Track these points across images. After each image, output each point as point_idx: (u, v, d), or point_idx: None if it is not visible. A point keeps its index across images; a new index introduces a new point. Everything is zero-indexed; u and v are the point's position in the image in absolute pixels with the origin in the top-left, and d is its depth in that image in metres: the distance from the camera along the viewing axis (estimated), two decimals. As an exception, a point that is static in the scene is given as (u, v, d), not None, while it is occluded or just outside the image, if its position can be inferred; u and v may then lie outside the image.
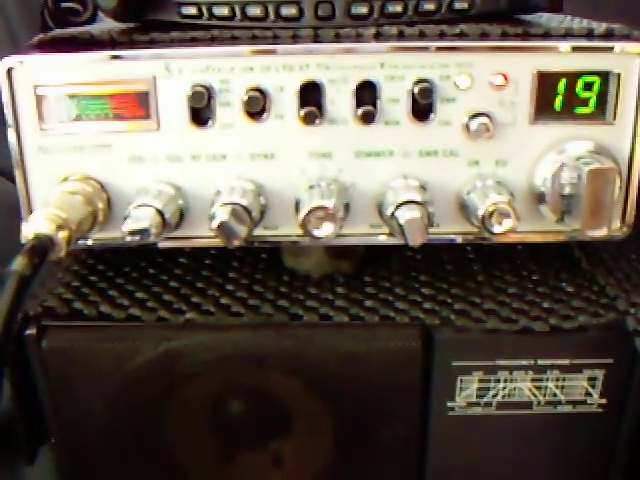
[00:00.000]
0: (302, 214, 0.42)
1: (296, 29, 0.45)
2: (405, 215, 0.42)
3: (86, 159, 0.45)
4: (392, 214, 0.42)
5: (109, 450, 0.49)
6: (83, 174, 0.45)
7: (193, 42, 0.45)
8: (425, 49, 0.43)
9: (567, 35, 0.45)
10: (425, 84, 0.43)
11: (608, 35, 0.45)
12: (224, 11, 0.46)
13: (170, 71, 0.43)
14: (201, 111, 0.44)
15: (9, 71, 0.44)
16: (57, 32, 0.47)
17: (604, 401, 0.47)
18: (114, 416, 0.47)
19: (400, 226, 0.42)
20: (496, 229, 0.42)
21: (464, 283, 0.49)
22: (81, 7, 0.53)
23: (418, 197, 0.43)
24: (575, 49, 0.43)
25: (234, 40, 0.45)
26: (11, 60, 0.44)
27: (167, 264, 0.51)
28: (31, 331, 0.46)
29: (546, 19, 0.50)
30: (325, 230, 0.42)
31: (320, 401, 0.47)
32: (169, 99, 0.44)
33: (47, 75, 0.44)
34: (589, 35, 0.45)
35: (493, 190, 0.43)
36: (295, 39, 0.45)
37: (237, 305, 0.47)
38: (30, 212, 0.46)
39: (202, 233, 0.46)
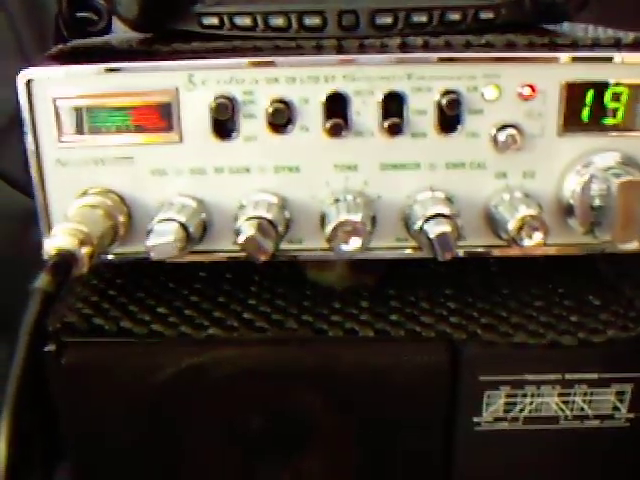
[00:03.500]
0: (329, 228, 0.42)
1: (319, 39, 0.45)
2: (435, 229, 0.41)
3: (106, 172, 0.44)
4: (421, 228, 0.42)
5: (128, 468, 0.48)
6: (103, 187, 0.45)
7: (215, 53, 0.44)
8: (452, 60, 0.42)
9: (594, 45, 0.44)
10: (453, 95, 0.42)
11: (636, 44, 0.44)
12: (246, 21, 0.45)
13: (193, 82, 0.43)
14: (224, 123, 0.43)
15: (28, 83, 0.43)
16: (76, 42, 0.47)
17: (632, 415, 0.46)
18: (134, 433, 0.47)
19: (429, 240, 0.41)
20: (526, 242, 0.42)
21: (489, 297, 0.48)
22: (96, 17, 0.52)
23: (447, 210, 0.42)
24: (603, 59, 0.43)
25: (257, 51, 0.44)
26: (30, 72, 0.43)
27: (187, 278, 0.50)
28: (50, 347, 0.45)
29: (569, 28, 0.49)
30: (352, 245, 0.41)
31: (344, 417, 0.46)
32: (192, 111, 0.43)
33: (66, 87, 0.43)
34: (617, 45, 0.44)
35: (522, 203, 0.42)
36: (319, 49, 0.44)
37: (260, 320, 0.46)
38: (49, 226, 0.45)
39: (225, 247, 0.45)
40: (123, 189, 0.45)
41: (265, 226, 0.42)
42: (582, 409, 0.46)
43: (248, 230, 0.41)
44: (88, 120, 0.44)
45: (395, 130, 0.43)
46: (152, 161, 0.44)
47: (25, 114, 0.43)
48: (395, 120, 0.42)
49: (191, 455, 0.48)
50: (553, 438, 0.47)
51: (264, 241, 0.41)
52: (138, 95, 0.43)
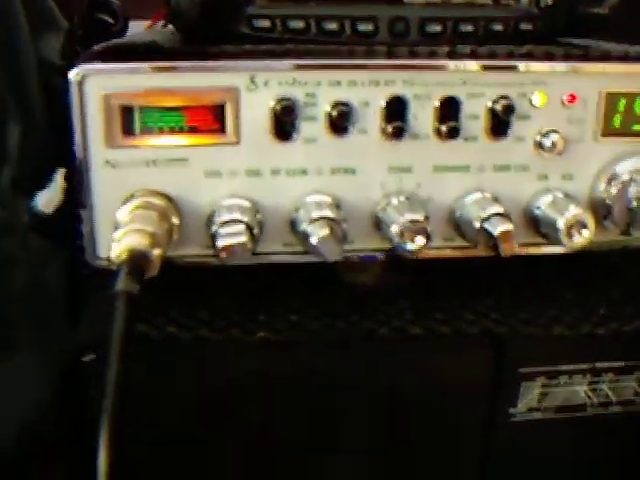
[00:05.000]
0: (395, 228, 0.42)
1: (370, 45, 0.45)
2: (498, 228, 0.43)
3: (158, 173, 0.43)
4: (481, 227, 0.43)
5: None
6: (153, 189, 0.43)
7: (268, 55, 0.44)
8: (509, 68, 0.44)
9: (626, 57, 0.47)
10: (507, 101, 0.44)
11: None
12: (299, 24, 0.45)
13: (255, 83, 0.42)
14: (284, 124, 0.43)
15: (81, 80, 0.41)
16: (117, 41, 0.45)
17: (652, 400, 0.50)
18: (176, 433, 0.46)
19: (492, 238, 0.43)
20: (576, 239, 0.44)
21: (523, 292, 0.50)
22: (112, 19, 0.51)
23: (502, 209, 0.44)
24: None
25: (309, 54, 0.44)
26: (83, 69, 0.41)
27: (220, 281, 0.49)
28: (91, 357, 0.43)
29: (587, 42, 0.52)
30: (418, 243, 0.42)
31: (391, 415, 0.47)
32: (252, 112, 0.43)
33: (120, 85, 0.42)
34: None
35: (570, 203, 0.45)
36: (371, 55, 0.45)
37: (309, 322, 0.46)
38: (92, 230, 0.43)
39: (277, 249, 0.45)
40: (174, 191, 0.44)
41: (335, 226, 0.42)
42: (607, 396, 0.49)
43: (321, 231, 0.41)
44: (140, 120, 0.42)
45: (452, 134, 0.44)
46: (207, 163, 0.43)
47: (75, 112, 0.42)
48: (453, 124, 0.44)
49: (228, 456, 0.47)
50: (581, 425, 0.50)
51: (336, 241, 0.41)
52: (194, 94, 0.42)
